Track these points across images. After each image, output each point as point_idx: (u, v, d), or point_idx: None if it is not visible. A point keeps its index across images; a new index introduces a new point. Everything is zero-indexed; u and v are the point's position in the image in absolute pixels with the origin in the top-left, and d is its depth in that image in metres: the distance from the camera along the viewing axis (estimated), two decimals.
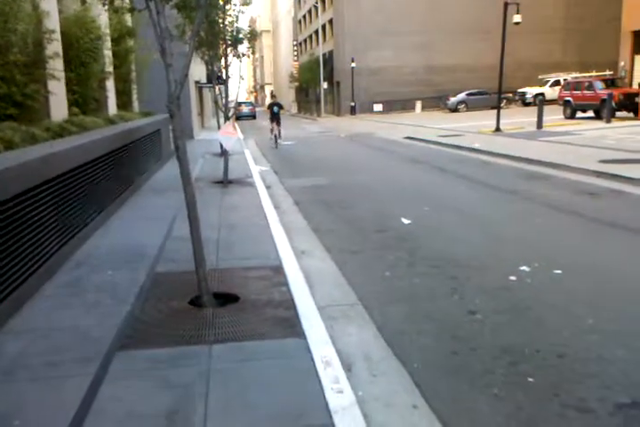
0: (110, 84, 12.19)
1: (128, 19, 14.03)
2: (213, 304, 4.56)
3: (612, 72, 35.88)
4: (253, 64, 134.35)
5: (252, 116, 53.34)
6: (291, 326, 4.13)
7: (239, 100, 67.83)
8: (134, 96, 15.55)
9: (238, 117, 42.90)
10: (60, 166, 6.06)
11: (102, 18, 11.22)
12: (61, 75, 8.65)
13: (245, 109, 54.03)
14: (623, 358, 3.72)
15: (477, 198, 9.56)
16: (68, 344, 3.94)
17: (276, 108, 21.81)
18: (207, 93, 35.21)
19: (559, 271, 5.43)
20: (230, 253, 6.14)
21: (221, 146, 12.61)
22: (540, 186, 10.38)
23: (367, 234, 7.43)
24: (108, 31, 11.80)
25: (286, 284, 5.04)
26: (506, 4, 21.45)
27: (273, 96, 25.95)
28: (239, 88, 13.06)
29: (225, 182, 11.29)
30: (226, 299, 4.68)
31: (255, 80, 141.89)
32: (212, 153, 17.04)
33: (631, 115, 22.74)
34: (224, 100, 12.05)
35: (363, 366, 3.66)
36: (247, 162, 15.26)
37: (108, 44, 11.77)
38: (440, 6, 47.34)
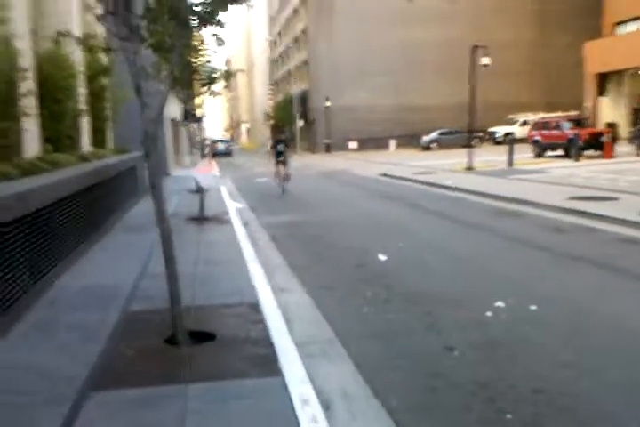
0: (84, 122, 12.19)
1: (103, 56, 14.12)
2: (189, 343, 4.49)
3: (577, 112, 37.15)
4: (229, 102, 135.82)
5: (228, 154, 53.76)
6: (268, 364, 4.08)
7: (215, 138, 68.08)
8: (109, 133, 15.53)
9: (214, 155, 43.13)
10: (32, 204, 6.00)
11: (76, 55, 11.28)
12: (34, 112, 8.63)
13: (221, 147, 54.49)
14: (597, 393, 3.75)
15: (451, 234, 9.68)
16: (39, 385, 3.83)
17: (280, 147, 17.40)
18: (182, 130, 35.37)
19: (534, 307, 5.49)
20: (207, 291, 6.08)
21: (197, 183, 12.63)
22: (512, 222, 10.56)
23: (344, 270, 7.44)
24: (82, 69, 11.85)
25: (263, 321, 5.00)
26: (474, 48, 22.31)
27: (278, 129, 18.68)
28: (214, 125, 13.19)
29: (201, 219, 11.26)
30: (202, 337, 4.61)
31: (231, 118, 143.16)
32: (187, 189, 17.00)
33: (598, 153, 23.42)
34: (199, 138, 12.10)
35: (341, 405, 3.63)
36: (223, 199, 15.25)
37: (83, 81, 11.80)
38: (412, 47, 48.80)
